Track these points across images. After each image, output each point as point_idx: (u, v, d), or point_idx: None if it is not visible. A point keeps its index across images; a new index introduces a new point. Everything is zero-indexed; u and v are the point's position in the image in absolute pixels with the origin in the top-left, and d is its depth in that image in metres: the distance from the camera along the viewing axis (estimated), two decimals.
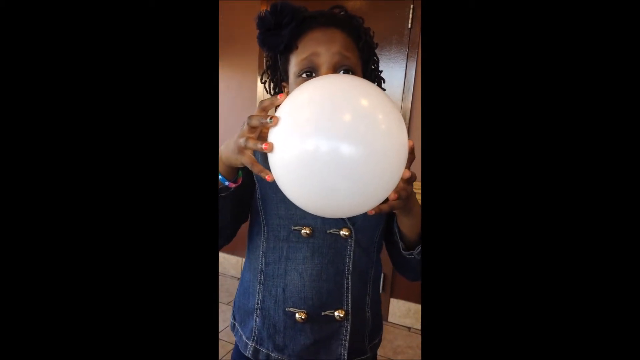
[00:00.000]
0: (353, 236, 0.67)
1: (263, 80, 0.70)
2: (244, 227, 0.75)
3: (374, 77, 0.69)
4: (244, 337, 0.72)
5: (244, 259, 2.05)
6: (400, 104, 2.09)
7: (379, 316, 0.78)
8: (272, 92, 0.70)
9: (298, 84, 0.59)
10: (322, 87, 0.46)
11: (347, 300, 0.68)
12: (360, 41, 0.63)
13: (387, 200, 0.51)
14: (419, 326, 2.19)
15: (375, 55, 0.68)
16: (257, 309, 0.69)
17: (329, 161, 0.42)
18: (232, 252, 2.67)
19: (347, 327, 0.68)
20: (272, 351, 0.69)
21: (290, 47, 0.61)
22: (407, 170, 0.48)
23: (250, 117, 0.48)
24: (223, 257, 2.70)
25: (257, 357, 0.70)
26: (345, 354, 0.68)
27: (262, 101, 0.49)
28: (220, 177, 0.56)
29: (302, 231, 0.66)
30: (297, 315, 0.66)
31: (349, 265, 0.68)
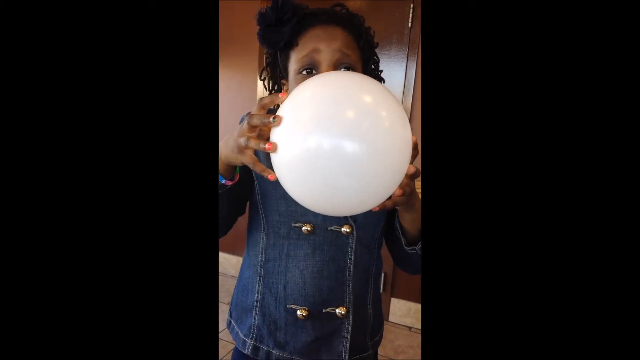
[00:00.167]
0: (354, 233, 0.67)
1: (262, 78, 0.70)
2: (244, 227, 0.75)
3: (374, 76, 0.69)
4: (240, 335, 0.71)
5: None
6: (400, 104, 2.08)
7: (380, 313, 0.78)
8: (271, 90, 0.69)
9: (298, 81, 0.59)
10: (323, 84, 0.46)
11: (349, 298, 0.68)
12: (361, 40, 0.62)
13: (390, 196, 0.50)
14: (419, 326, 2.19)
15: (375, 54, 0.68)
16: (256, 306, 0.69)
17: (333, 159, 0.42)
18: (232, 252, 2.67)
19: (348, 324, 0.68)
20: (272, 348, 0.68)
21: (290, 44, 0.61)
22: (411, 166, 0.48)
23: (251, 116, 0.47)
24: (223, 257, 2.70)
25: (257, 354, 0.69)
26: (347, 351, 0.68)
27: (261, 99, 0.49)
28: None
29: (303, 228, 0.66)
30: (299, 312, 0.66)
31: (350, 263, 0.67)
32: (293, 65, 0.61)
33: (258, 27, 0.61)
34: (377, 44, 0.67)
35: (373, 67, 0.69)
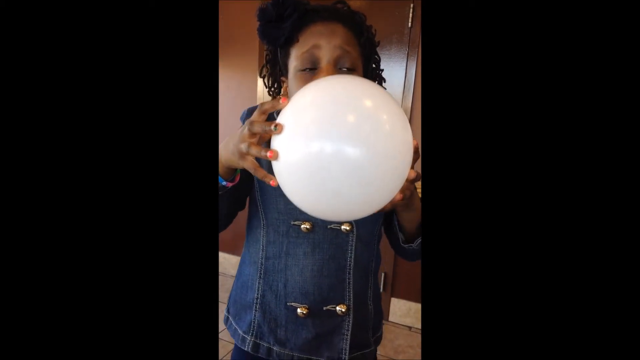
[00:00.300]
0: (354, 231, 0.67)
1: (262, 75, 0.69)
2: (244, 227, 0.75)
3: (375, 75, 0.68)
4: (239, 331, 0.71)
5: None
6: (400, 104, 2.09)
7: (380, 309, 0.78)
8: (271, 87, 0.69)
9: (298, 78, 0.59)
10: (324, 88, 0.46)
11: (349, 296, 0.68)
12: (362, 37, 0.62)
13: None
14: (419, 325, 2.18)
15: (376, 53, 0.67)
16: (256, 303, 0.69)
17: (334, 164, 0.42)
18: (232, 252, 2.67)
19: (348, 321, 0.68)
20: (273, 345, 0.68)
21: (291, 40, 0.60)
22: (412, 170, 0.48)
23: (252, 123, 0.47)
24: (223, 257, 2.70)
25: (257, 351, 0.69)
26: (347, 348, 0.68)
27: (262, 104, 0.48)
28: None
29: (302, 226, 0.65)
30: (299, 310, 0.66)
31: (350, 261, 0.67)
32: (293, 62, 0.60)
33: (258, 23, 0.61)
34: (379, 42, 0.67)
35: (374, 65, 0.68)
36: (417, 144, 0.48)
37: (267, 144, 0.48)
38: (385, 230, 0.74)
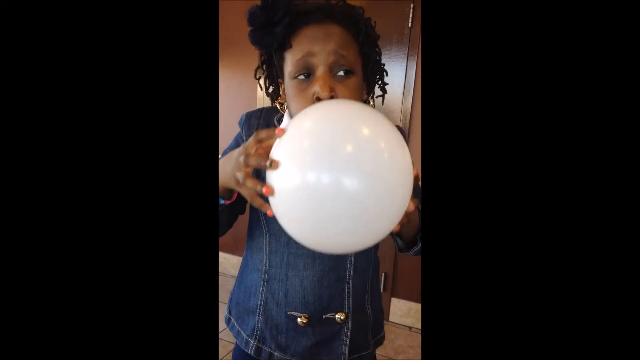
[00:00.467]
0: None
1: (257, 77, 0.66)
2: (244, 227, 0.75)
3: (376, 70, 0.65)
4: (243, 334, 0.72)
5: None
6: (400, 104, 2.09)
7: (380, 310, 0.78)
8: (268, 89, 0.67)
9: (294, 85, 0.57)
10: (320, 118, 0.45)
11: (348, 304, 0.69)
12: (360, 35, 0.58)
13: None
14: (419, 326, 2.18)
15: (376, 47, 0.64)
16: (259, 309, 0.70)
17: (331, 198, 0.40)
18: (232, 252, 2.67)
19: (347, 328, 0.69)
20: (275, 350, 0.69)
21: (284, 45, 0.58)
22: (412, 202, 0.46)
23: (247, 156, 0.46)
24: (223, 257, 2.70)
25: (259, 354, 0.70)
26: (346, 353, 0.69)
27: (258, 132, 0.48)
28: None
29: None
30: (299, 320, 0.67)
31: (350, 271, 0.68)
32: (288, 67, 0.58)
33: (249, 28, 0.57)
34: (379, 36, 0.63)
35: (377, 59, 0.64)
36: (417, 172, 0.46)
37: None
38: None
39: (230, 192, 0.57)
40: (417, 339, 2.10)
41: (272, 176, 0.45)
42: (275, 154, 0.45)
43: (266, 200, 0.47)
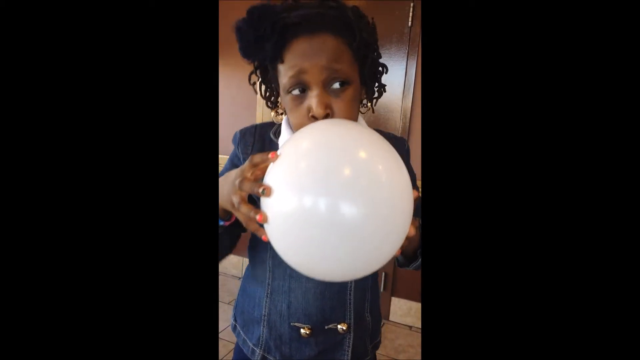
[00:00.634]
0: None
1: (252, 82, 0.64)
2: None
3: (375, 71, 0.63)
4: (249, 343, 0.73)
5: (244, 259, 2.02)
6: (400, 104, 2.09)
7: (379, 315, 0.79)
8: (264, 94, 0.66)
9: (288, 101, 0.56)
10: (315, 141, 0.44)
11: (350, 315, 0.69)
12: (354, 40, 0.55)
13: None
14: (420, 325, 2.18)
15: (375, 50, 0.60)
16: (264, 320, 0.71)
17: (327, 222, 0.39)
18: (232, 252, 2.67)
19: (350, 338, 0.70)
20: (279, 359, 0.70)
21: (276, 60, 0.55)
22: (412, 226, 0.45)
23: (242, 182, 0.46)
24: None
25: None
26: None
27: (252, 157, 0.47)
28: None
29: None
30: (302, 331, 0.68)
31: (351, 284, 0.69)
32: (282, 80, 0.56)
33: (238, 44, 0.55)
34: (376, 36, 0.60)
35: (373, 63, 0.61)
36: (418, 195, 0.46)
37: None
38: None
39: (229, 213, 0.56)
40: (417, 338, 2.10)
41: (266, 201, 0.44)
42: (268, 179, 0.44)
43: (262, 224, 0.46)
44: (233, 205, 0.48)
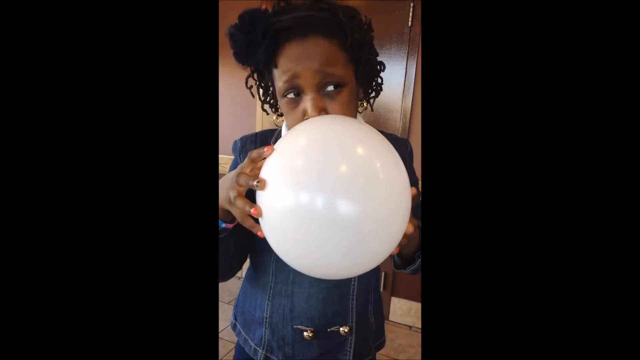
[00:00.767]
0: None
1: (249, 86, 0.64)
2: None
3: (371, 71, 0.62)
4: (251, 343, 0.73)
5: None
6: (400, 103, 2.09)
7: (381, 315, 0.79)
8: (262, 98, 0.66)
9: (285, 103, 0.56)
10: (310, 136, 0.44)
11: (352, 318, 0.70)
12: (347, 41, 0.54)
13: None
14: (420, 325, 2.19)
15: (370, 51, 0.59)
16: (266, 322, 0.71)
17: (324, 219, 0.39)
18: None
19: (351, 339, 0.70)
20: (282, 359, 0.71)
21: (269, 64, 0.56)
22: (411, 224, 0.45)
23: (238, 176, 0.46)
24: None
25: None
26: None
27: (251, 152, 0.48)
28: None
29: None
30: (305, 334, 0.68)
31: (354, 288, 0.69)
32: (277, 84, 0.56)
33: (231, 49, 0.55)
34: (372, 36, 0.58)
35: (367, 63, 0.60)
36: (416, 192, 0.46)
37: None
38: None
39: (231, 214, 0.56)
40: (417, 338, 2.11)
41: (261, 196, 0.44)
42: (263, 173, 0.44)
43: (257, 221, 0.47)
44: (229, 200, 0.48)
